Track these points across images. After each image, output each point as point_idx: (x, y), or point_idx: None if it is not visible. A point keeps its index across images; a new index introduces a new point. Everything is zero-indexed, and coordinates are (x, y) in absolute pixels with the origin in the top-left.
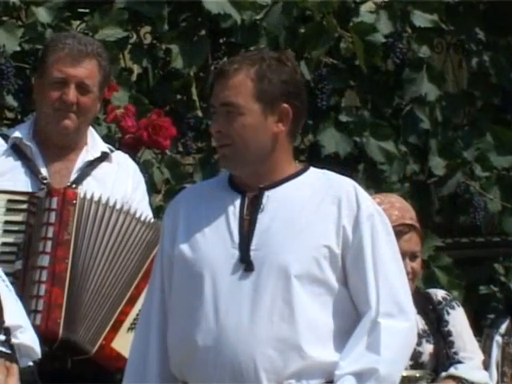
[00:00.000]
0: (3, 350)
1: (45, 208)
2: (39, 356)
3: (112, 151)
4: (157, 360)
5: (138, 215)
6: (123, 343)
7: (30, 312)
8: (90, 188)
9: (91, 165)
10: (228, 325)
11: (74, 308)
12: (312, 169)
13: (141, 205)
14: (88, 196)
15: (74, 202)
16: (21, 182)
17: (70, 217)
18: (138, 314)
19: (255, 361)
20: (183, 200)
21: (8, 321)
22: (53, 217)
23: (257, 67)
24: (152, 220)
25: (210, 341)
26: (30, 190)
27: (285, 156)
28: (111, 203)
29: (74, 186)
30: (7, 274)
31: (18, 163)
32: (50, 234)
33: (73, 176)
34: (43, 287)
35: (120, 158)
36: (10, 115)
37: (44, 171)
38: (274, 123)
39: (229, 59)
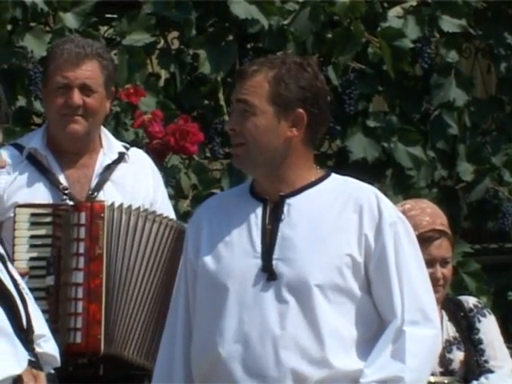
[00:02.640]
0: (30, 358)
1: (73, 223)
2: (59, 364)
3: (127, 148)
4: (182, 364)
5: (163, 218)
6: None
7: (70, 330)
8: (110, 194)
9: (109, 168)
10: (252, 334)
11: (115, 322)
12: (333, 175)
13: (163, 206)
14: (115, 206)
15: (102, 215)
16: (40, 193)
17: (99, 231)
18: None
19: (281, 370)
20: (205, 211)
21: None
22: (82, 232)
23: (276, 70)
24: (175, 221)
25: (234, 350)
26: (50, 201)
27: (301, 162)
28: (137, 210)
29: (95, 193)
30: (38, 289)
31: (36, 174)
32: (81, 250)
33: (92, 183)
34: (80, 304)
35: (136, 155)
36: (37, 120)
37: (63, 181)
38: (288, 128)
39: (251, 61)
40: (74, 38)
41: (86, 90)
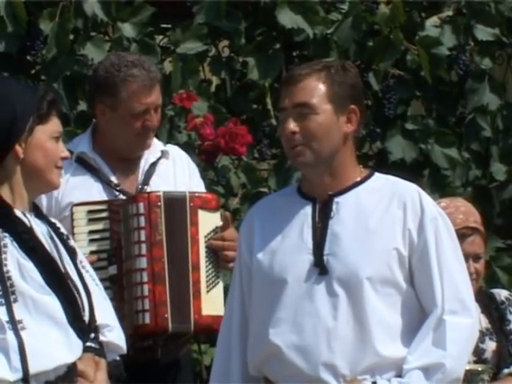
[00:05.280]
0: (93, 345)
1: (132, 214)
2: (125, 352)
3: (165, 145)
4: (239, 362)
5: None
6: (211, 305)
7: (138, 312)
8: (157, 187)
9: (153, 165)
10: (306, 325)
11: (176, 300)
12: (377, 174)
13: (199, 189)
14: (168, 196)
15: (159, 203)
16: (94, 191)
17: (157, 218)
18: (207, 275)
19: (332, 358)
20: (257, 212)
21: (97, 320)
22: (142, 221)
23: (326, 72)
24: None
25: (289, 340)
26: (105, 198)
27: (350, 157)
28: (183, 197)
29: (145, 187)
30: (102, 280)
31: (87, 175)
32: (142, 238)
33: (140, 179)
34: (146, 287)
35: (174, 151)
36: None
37: (113, 179)
38: (345, 123)
39: (296, 67)
40: (132, 59)
41: (156, 109)
